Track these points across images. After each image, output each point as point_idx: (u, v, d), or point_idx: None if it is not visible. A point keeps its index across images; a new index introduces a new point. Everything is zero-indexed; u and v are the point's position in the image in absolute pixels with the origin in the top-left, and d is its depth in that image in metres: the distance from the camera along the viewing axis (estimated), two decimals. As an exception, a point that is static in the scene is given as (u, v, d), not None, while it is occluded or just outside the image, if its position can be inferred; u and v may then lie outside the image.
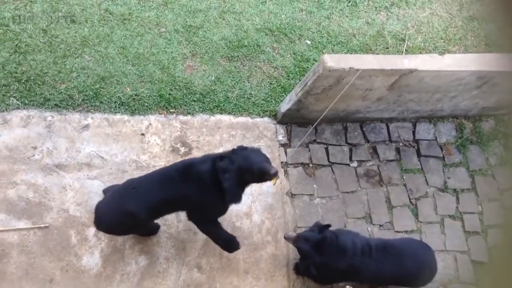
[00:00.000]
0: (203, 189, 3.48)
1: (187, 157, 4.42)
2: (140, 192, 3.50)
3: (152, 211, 3.59)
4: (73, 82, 4.54)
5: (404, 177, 4.77)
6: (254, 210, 4.36)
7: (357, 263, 3.70)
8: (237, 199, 3.51)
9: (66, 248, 3.95)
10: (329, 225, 3.78)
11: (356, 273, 3.79)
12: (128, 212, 3.43)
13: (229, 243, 3.88)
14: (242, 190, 3.55)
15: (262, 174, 3.41)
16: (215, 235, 3.86)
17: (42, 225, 3.96)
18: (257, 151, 3.59)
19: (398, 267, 3.81)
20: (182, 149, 4.49)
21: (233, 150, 3.52)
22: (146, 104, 4.60)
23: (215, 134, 4.61)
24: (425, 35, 5.58)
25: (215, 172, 3.42)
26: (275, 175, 3.42)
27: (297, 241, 3.82)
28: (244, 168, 3.40)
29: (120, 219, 3.53)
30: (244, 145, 3.66)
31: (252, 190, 4.33)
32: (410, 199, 4.68)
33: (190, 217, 3.79)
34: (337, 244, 3.70)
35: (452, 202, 4.74)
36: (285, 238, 3.93)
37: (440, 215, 4.67)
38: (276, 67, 5.06)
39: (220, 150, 4.50)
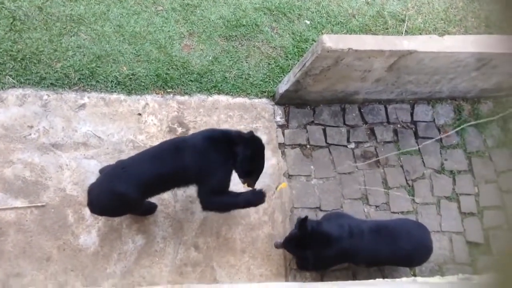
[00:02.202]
0: (206, 157, 3.50)
1: (184, 137, 4.42)
2: (129, 171, 3.47)
3: (144, 190, 3.55)
4: (69, 60, 4.50)
5: (401, 158, 4.77)
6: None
7: (346, 246, 3.70)
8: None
9: (63, 227, 3.96)
10: (306, 217, 3.74)
11: (348, 255, 3.81)
12: (119, 193, 3.41)
13: (253, 201, 3.82)
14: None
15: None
16: (235, 204, 3.81)
17: (39, 204, 3.97)
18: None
19: (394, 248, 3.83)
20: (179, 129, 4.47)
21: (251, 137, 3.60)
22: (143, 84, 4.57)
23: (212, 115, 4.59)
24: (425, 16, 5.52)
25: (226, 141, 3.52)
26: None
27: (284, 244, 3.87)
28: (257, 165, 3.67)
29: (112, 201, 3.51)
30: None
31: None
32: (406, 180, 4.69)
33: (201, 195, 3.72)
34: (321, 233, 3.69)
35: (448, 184, 4.75)
36: (276, 247, 4.01)
37: (436, 196, 4.68)
38: (274, 47, 5.01)
39: (218, 130, 4.49)
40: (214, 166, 3.53)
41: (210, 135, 3.58)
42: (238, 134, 3.61)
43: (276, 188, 4.09)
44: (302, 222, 3.72)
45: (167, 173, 3.52)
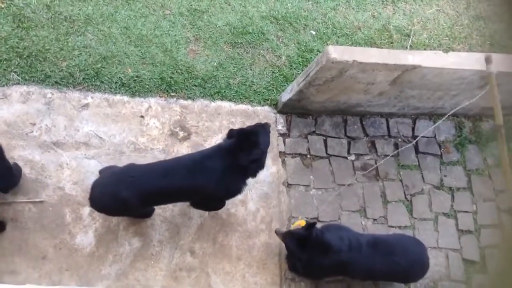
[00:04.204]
0: (226, 185, 3.65)
1: (185, 142, 4.43)
2: (138, 181, 3.48)
3: (148, 201, 3.64)
4: (74, 60, 4.52)
5: (401, 173, 4.77)
6: (249, 198, 4.37)
7: (344, 258, 3.70)
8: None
9: (60, 226, 3.96)
10: (315, 223, 3.76)
11: (344, 268, 3.80)
12: (122, 199, 3.43)
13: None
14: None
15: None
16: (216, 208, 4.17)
17: (37, 200, 3.98)
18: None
19: (390, 263, 3.82)
20: (181, 134, 4.48)
21: (242, 134, 3.66)
22: (147, 86, 4.58)
23: (214, 120, 4.60)
24: (431, 32, 5.55)
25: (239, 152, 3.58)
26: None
27: (285, 237, 3.86)
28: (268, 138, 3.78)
29: (112, 203, 3.53)
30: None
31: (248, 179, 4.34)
32: (405, 195, 4.69)
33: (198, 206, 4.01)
34: (322, 241, 3.70)
35: (447, 200, 4.75)
36: (275, 233, 4.00)
37: (434, 212, 4.68)
38: (279, 56, 5.03)
39: (219, 136, 4.50)
40: (232, 192, 3.80)
41: (228, 162, 3.58)
42: (239, 148, 3.62)
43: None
44: (310, 226, 3.73)
45: (176, 191, 3.62)
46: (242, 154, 3.54)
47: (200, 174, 3.54)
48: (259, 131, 3.70)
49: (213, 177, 3.55)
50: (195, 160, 3.64)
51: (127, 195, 3.41)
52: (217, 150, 3.67)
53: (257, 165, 3.68)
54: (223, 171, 3.55)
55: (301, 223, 3.99)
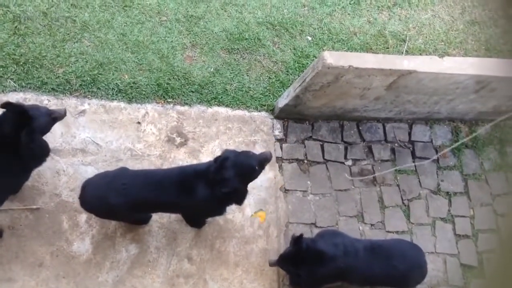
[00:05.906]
0: (205, 199, 3.56)
1: (182, 148, 4.43)
2: (128, 190, 3.46)
3: (138, 209, 3.64)
4: (71, 66, 4.52)
5: (398, 177, 4.78)
6: (247, 203, 4.33)
7: (341, 265, 3.69)
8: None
9: (57, 233, 3.95)
10: (301, 235, 3.71)
11: (342, 274, 3.79)
12: (111, 205, 3.43)
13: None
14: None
15: (263, 164, 3.59)
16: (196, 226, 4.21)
17: (34, 207, 3.96)
18: (241, 153, 3.63)
19: (388, 268, 3.82)
20: (178, 140, 4.48)
21: (222, 163, 3.48)
22: (144, 93, 4.58)
23: (211, 126, 4.60)
24: (426, 37, 5.57)
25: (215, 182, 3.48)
26: (270, 156, 3.61)
27: (279, 262, 3.86)
28: (246, 172, 3.51)
29: (102, 207, 3.54)
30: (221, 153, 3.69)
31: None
32: (402, 200, 4.70)
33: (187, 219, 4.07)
34: (315, 250, 3.68)
35: (444, 205, 4.75)
36: (269, 265, 3.96)
37: (431, 217, 4.68)
38: (275, 62, 5.04)
39: (216, 142, 4.51)
40: (210, 214, 3.97)
41: (210, 186, 3.50)
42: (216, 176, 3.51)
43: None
44: (298, 239, 3.70)
45: (165, 204, 3.64)
46: (217, 183, 3.45)
47: (185, 191, 3.51)
48: (243, 165, 3.48)
49: (195, 198, 3.51)
50: (184, 176, 3.58)
51: (116, 202, 3.41)
52: (205, 170, 3.54)
53: (234, 198, 3.60)
54: (206, 193, 3.48)
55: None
